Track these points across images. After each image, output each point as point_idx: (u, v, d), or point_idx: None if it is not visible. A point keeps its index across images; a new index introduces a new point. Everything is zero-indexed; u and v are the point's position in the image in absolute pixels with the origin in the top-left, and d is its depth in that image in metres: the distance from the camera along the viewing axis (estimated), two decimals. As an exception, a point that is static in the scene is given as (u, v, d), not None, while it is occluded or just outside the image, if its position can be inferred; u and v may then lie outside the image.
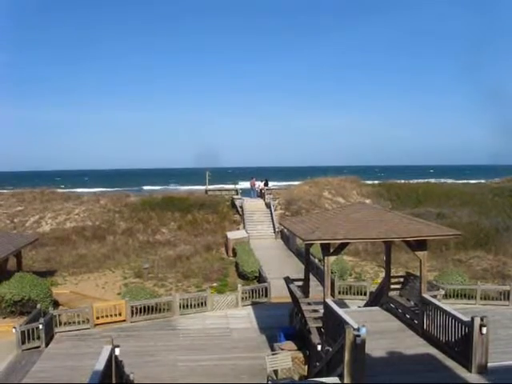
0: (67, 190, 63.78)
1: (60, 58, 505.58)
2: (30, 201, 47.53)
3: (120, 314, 21.04)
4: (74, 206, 46.93)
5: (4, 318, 22.04)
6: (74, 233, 41.64)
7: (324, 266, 14.68)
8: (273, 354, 14.46)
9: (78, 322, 20.33)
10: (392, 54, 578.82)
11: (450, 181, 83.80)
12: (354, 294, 23.66)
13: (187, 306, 22.07)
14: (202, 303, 22.40)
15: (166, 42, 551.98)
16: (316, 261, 26.69)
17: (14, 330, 18.15)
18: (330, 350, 12.50)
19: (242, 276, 28.96)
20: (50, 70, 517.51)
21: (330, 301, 14.16)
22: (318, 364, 13.60)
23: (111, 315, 20.95)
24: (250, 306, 22.82)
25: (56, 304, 23.58)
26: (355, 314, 14.71)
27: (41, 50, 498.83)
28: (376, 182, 61.07)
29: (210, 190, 54.85)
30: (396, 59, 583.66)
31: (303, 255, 21.64)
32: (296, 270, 26.34)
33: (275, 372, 13.95)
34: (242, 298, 23.06)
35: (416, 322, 14.82)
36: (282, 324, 18.67)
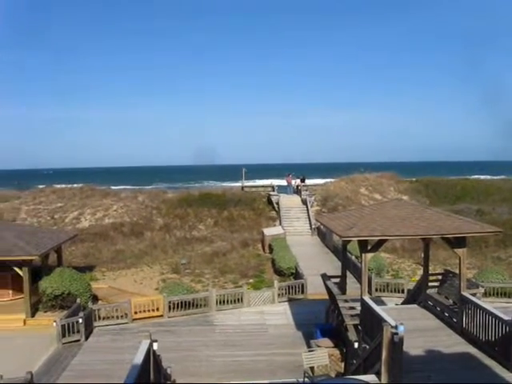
0: (105, 187, 64.69)
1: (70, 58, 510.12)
2: (70, 197, 48.57)
3: (157, 309, 21.32)
4: (113, 202, 47.67)
5: (45, 311, 22.62)
6: (112, 229, 42.28)
7: (361, 262, 14.57)
8: (309, 351, 14.43)
9: (117, 317, 20.66)
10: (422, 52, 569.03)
11: (488, 177, 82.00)
12: (392, 292, 23.42)
13: (224, 301, 22.20)
14: (238, 299, 22.50)
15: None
16: (353, 258, 26.46)
17: (54, 324, 18.62)
18: (367, 347, 12.43)
19: (279, 272, 28.96)
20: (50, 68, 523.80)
21: (367, 298, 14.06)
22: (354, 361, 13.54)
23: (149, 310, 21.25)
24: (286, 303, 22.81)
25: (95, 299, 24.02)
26: (393, 312, 14.57)
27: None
28: (413, 178, 60.21)
29: (246, 187, 54.86)
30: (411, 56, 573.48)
31: (340, 252, 21.53)
32: (332, 266, 26.20)
33: (311, 369, 13.91)
34: (279, 295, 23.07)
35: (455, 320, 14.59)
36: (319, 321, 18.63)
